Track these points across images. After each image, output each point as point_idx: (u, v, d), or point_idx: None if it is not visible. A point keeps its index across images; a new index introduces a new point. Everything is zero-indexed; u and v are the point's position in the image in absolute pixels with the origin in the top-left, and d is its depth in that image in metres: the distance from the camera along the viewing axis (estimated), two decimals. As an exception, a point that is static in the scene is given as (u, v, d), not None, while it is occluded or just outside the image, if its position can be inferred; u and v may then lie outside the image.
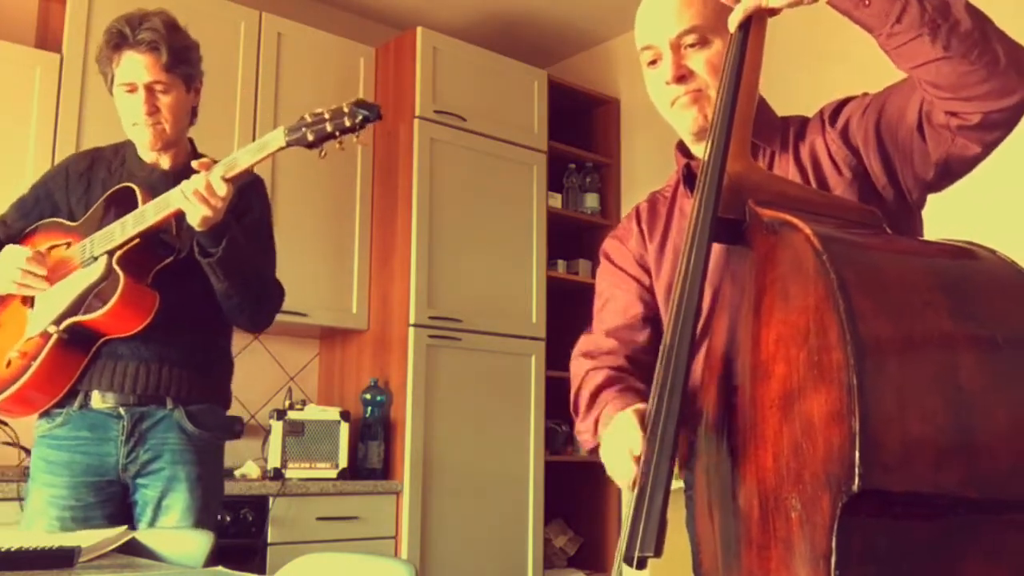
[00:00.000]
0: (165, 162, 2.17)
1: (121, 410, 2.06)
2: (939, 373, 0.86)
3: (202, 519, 2.05)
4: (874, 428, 0.82)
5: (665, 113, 1.46)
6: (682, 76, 1.40)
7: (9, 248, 2.11)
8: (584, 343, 1.62)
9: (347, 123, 1.82)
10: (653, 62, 1.44)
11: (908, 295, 0.90)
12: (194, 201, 1.90)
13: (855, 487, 0.81)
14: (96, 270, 2.03)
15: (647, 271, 1.57)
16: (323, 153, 1.87)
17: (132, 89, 2.07)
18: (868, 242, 1.02)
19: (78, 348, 2.06)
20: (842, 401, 0.84)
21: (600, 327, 1.60)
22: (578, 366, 1.59)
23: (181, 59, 2.10)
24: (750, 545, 0.99)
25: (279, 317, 3.52)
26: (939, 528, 0.86)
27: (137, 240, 2.00)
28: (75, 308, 2.03)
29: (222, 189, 1.90)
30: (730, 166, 1.18)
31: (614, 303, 1.59)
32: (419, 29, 3.79)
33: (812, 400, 0.89)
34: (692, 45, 1.40)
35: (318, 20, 3.96)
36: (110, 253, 2.01)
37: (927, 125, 1.23)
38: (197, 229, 1.95)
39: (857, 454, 0.81)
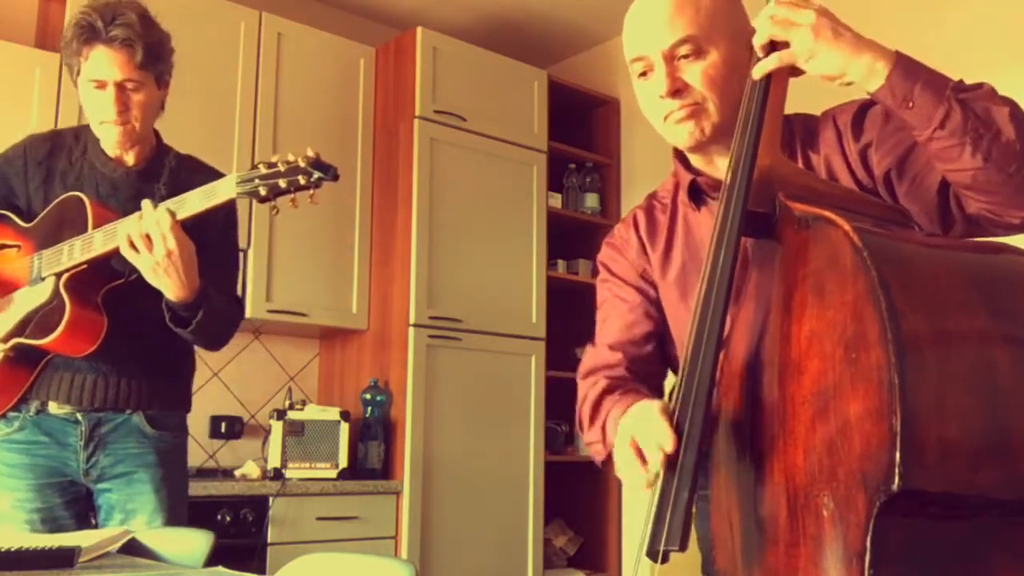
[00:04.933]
0: (130, 158, 2.08)
1: (79, 415, 2.02)
2: (976, 373, 0.86)
3: (172, 519, 2.03)
4: (915, 427, 0.82)
5: (658, 127, 1.40)
6: (677, 90, 1.33)
7: None
8: (588, 360, 1.57)
9: (302, 181, 1.76)
10: (644, 73, 1.37)
11: (944, 293, 0.90)
12: (138, 249, 1.84)
13: (895, 486, 0.81)
14: (43, 291, 1.97)
15: (650, 283, 1.52)
16: (275, 210, 1.82)
17: (101, 86, 1.97)
18: (903, 239, 1.02)
19: (26, 363, 2.01)
20: (882, 399, 0.83)
21: (603, 340, 1.55)
22: (583, 386, 1.55)
23: (155, 55, 2.00)
24: (776, 543, 0.99)
25: (279, 317, 3.53)
26: (971, 528, 0.86)
27: (84, 266, 1.94)
28: (21, 328, 1.98)
29: (168, 233, 1.82)
30: (759, 159, 1.17)
31: (617, 318, 1.54)
32: (419, 29, 3.78)
33: (849, 397, 0.88)
34: (686, 56, 1.33)
35: (318, 20, 3.95)
36: (57, 276, 1.95)
37: (956, 209, 1.22)
38: (168, 298, 1.90)
39: (898, 454, 0.81)
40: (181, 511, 2.10)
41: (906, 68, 1.16)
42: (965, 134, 1.11)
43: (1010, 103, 1.15)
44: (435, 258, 3.67)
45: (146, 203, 1.87)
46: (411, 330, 3.58)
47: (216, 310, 1.98)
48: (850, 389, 0.88)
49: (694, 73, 1.33)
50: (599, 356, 1.54)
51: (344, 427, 3.49)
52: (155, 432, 2.06)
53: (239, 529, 3.09)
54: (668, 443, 1.07)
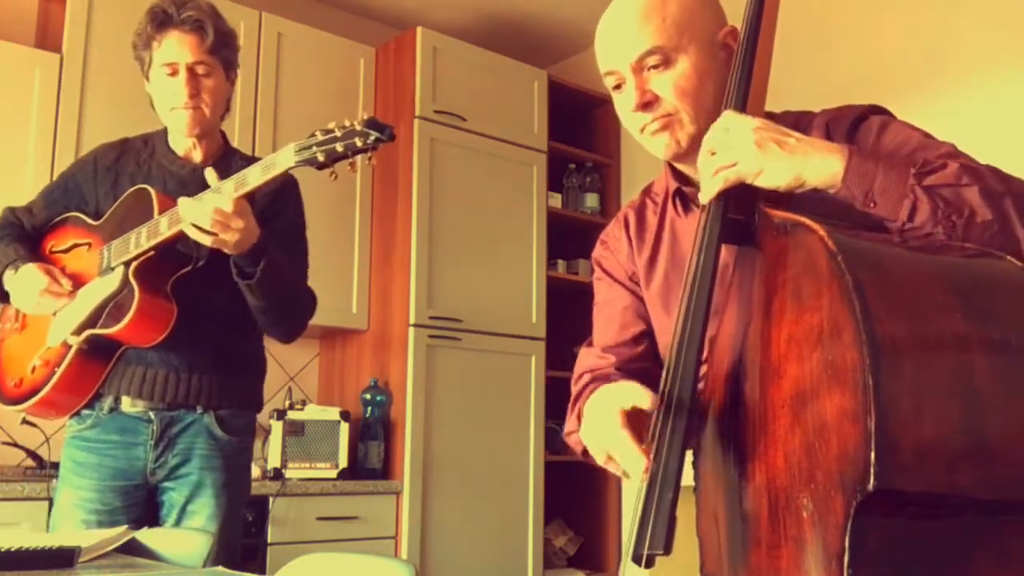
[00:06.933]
0: (197, 154, 2.14)
1: (151, 414, 2.05)
2: (953, 375, 0.86)
3: (226, 525, 2.04)
4: (890, 428, 0.82)
5: (637, 138, 1.38)
6: (648, 103, 1.32)
7: (28, 270, 2.07)
8: (584, 362, 1.58)
9: (359, 143, 1.75)
10: (618, 86, 1.36)
11: (922, 296, 0.90)
12: (212, 233, 1.85)
13: (870, 486, 0.81)
14: (113, 281, 2.00)
15: (639, 285, 1.53)
16: (334, 175, 1.82)
17: (174, 71, 2.03)
18: (881, 244, 1.02)
19: (100, 356, 2.05)
20: (857, 401, 0.84)
21: (598, 343, 1.57)
22: (575, 389, 1.56)
23: (224, 43, 2.07)
24: (759, 545, 0.99)
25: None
26: (951, 529, 0.86)
27: (152, 252, 1.97)
28: (93, 319, 2.01)
29: (233, 216, 1.85)
30: None
31: (610, 320, 1.55)
32: (419, 29, 3.79)
33: (826, 400, 0.89)
34: (655, 67, 1.31)
35: (318, 20, 3.96)
36: (126, 264, 1.98)
37: None
38: (232, 253, 1.91)
39: (873, 454, 0.81)
40: (237, 519, 2.13)
41: (861, 163, 1.10)
42: (936, 223, 1.06)
43: (980, 179, 1.08)
44: (435, 258, 3.68)
45: (210, 172, 1.91)
46: (411, 330, 3.58)
47: (282, 272, 2.01)
48: (827, 391, 0.88)
49: (664, 84, 1.31)
50: (592, 360, 1.55)
51: (344, 427, 3.50)
52: (225, 436, 2.08)
53: (239, 529, 3.09)
54: (645, 400, 1.10)
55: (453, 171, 3.79)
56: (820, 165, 1.11)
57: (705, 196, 1.18)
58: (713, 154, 1.18)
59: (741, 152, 1.14)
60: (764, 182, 1.13)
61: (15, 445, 3.03)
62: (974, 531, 0.87)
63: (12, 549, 1.45)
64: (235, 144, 3.38)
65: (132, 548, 1.72)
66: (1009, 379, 0.87)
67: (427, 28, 3.83)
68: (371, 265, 3.81)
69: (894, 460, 0.82)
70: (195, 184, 2.06)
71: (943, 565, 0.86)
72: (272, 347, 3.78)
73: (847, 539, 0.84)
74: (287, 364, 3.88)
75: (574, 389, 1.54)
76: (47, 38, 3.34)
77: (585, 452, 1.45)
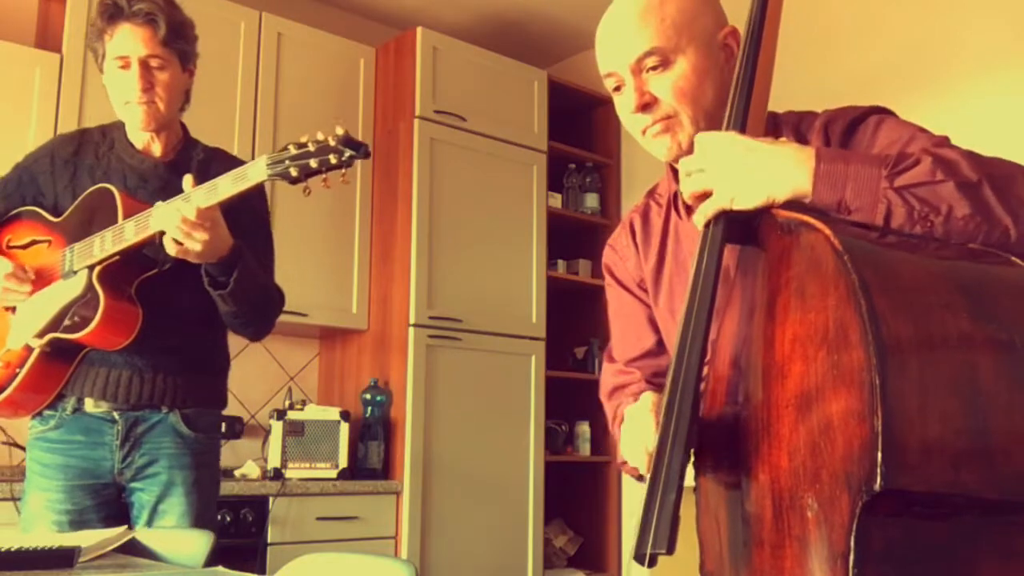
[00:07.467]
0: (157, 148, 2.09)
1: (115, 415, 2.02)
2: (958, 374, 0.86)
3: (199, 523, 2.02)
4: (896, 428, 0.82)
5: (639, 140, 1.38)
6: (647, 104, 1.32)
7: None
8: (609, 378, 1.59)
9: (333, 160, 1.74)
10: (617, 88, 1.36)
11: (927, 296, 0.90)
12: (179, 241, 1.83)
13: (877, 486, 0.81)
14: (76, 285, 1.97)
15: (647, 292, 1.53)
16: (307, 191, 1.79)
17: (126, 65, 1.98)
18: (885, 243, 1.02)
19: (62, 358, 2.02)
20: (864, 401, 0.84)
21: (620, 356, 1.58)
22: (609, 406, 1.58)
23: (179, 34, 2.02)
24: (762, 545, 0.99)
25: (279, 317, 3.54)
26: (956, 528, 0.86)
27: (117, 257, 1.94)
28: (56, 323, 1.98)
29: (198, 225, 1.82)
30: None
31: (627, 332, 1.56)
32: (419, 29, 3.79)
33: (831, 399, 0.88)
34: (654, 68, 1.31)
35: (318, 20, 3.96)
36: (90, 268, 1.95)
37: None
38: (204, 263, 1.89)
39: (880, 454, 0.81)
40: (210, 517, 2.10)
41: (830, 172, 1.07)
42: (915, 224, 1.04)
43: (953, 172, 1.05)
44: (435, 258, 3.68)
45: (187, 179, 1.88)
46: (411, 330, 3.58)
47: (255, 279, 1.99)
48: (832, 391, 0.88)
49: (663, 85, 1.31)
50: (619, 375, 1.57)
51: (344, 427, 3.50)
52: (191, 433, 2.06)
53: (239, 529, 3.09)
54: (650, 443, 1.10)
55: (453, 171, 3.79)
56: (788, 180, 1.09)
57: (699, 223, 1.18)
58: (688, 175, 1.18)
59: (713, 180, 1.14)
60: (739, 206, 1.12)
61: (15, 445, 3.03)
62: (979, 531, 0.86)
63: (12, 549, 1.45)
64: (235, 145, 3.41)
65: (132, 548, 1.72)
66: (1014, 379, 0.87)
67: (427, 28, 3.83)
68: (371, 265, 3.81)
69: (900, 460, 0.82)
70: (155, 179, 2.05)
71: (948, 565, 0.86)
72: (272, 347, 3.83)
73: (852, 539, 0.84)
74: (287, 364, 3.88)
75: (610, 406, 1.55)
76: (47, 38, 3.34)
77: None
